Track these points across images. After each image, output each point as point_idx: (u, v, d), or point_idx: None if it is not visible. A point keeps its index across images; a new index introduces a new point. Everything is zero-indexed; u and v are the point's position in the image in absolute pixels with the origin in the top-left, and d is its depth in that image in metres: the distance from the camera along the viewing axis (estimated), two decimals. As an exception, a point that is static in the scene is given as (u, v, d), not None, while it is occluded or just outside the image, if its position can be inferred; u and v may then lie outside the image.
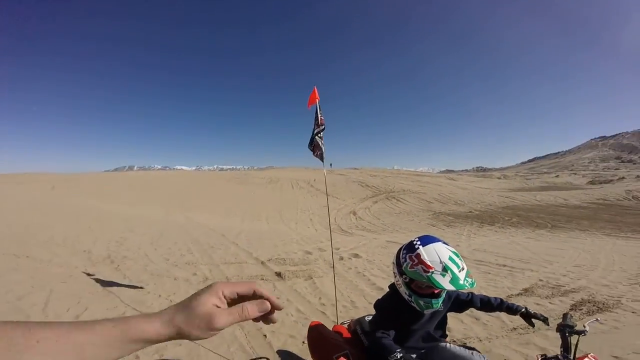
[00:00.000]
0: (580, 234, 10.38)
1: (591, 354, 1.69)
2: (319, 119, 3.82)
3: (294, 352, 3.24)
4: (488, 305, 1.98)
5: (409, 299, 1.71)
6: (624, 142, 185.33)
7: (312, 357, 2.07)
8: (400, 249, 1.76)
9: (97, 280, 5.17)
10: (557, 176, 54.33)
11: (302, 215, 15.48)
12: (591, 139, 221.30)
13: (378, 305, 1.91)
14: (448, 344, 1.91)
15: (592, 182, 35.22)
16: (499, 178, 48.95)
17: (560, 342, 1.64)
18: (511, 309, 1.92)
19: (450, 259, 1.61)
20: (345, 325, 2.38)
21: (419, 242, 1.69)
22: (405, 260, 1.66)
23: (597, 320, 1.91)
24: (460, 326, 3.82)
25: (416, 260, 1.62)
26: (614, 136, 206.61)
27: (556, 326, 1.69)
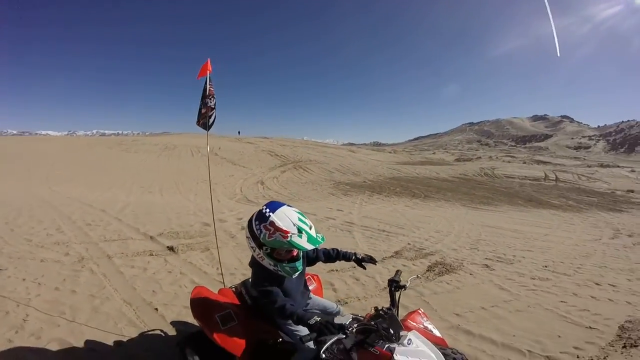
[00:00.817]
0: (445, 204, 12.80)
1: (420, 309, 2.18)
2: (208, 90, 3.82)
3: (189, 321, 3.22)
4: (329, 257, 2.32)
5: (275, 268, 1.78)
6: (485, 129, 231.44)
7: (196, 319, 2.10)
8: (250, 220, 1.79)
9: None
10: (434, 153, 64.87)
11: (203, 185, 14.58)
12: (462, 124, 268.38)
13: (258, 288, 1.90)
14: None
15: (458, 160, 43.31)
16: (390, 152, 55.46)
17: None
18: (346, 257, 2.31)
19: (300, 220, 1.73)
20: (232, 289, 2.46)
21: (268, 210, 1.74)
22: (261, 232, 1.70)
23: (417, 276, 2.51)
24: (344, 286, 4.39)
25: (272, 229, 1.68)
26: (478, 123, 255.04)
27: (387, 281, 2.10)
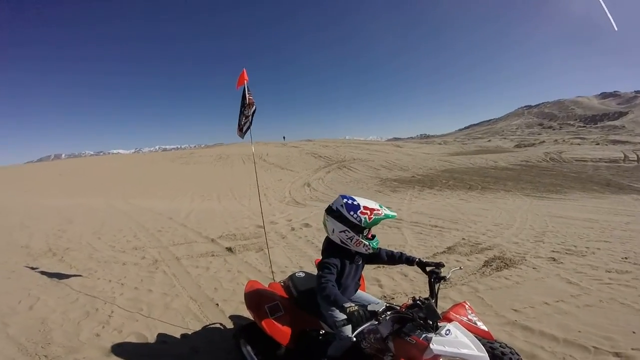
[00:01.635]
0: (505, 195, 11.88)
1: (466, 302, 2.13)
2: (247, 99, 3.96)
3: (244, 315, 3.50)
4: (392, 258, 2.38)
5: (367, 243, 2.06)
6: (546, 111, 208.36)
7: (248, 310, 2.32)
8: (342, 215, 2.05)
9: (43, 273, 5.00)
10: (489, 141, 60.22)
11: (255, 190, 15.42)
12: (518, 108, 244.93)
13: (323, 260, 2.12)
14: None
15: (518, 146, 39.68)
16: (440, 144, 52.77)
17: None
18: (409, 260, 2.32)
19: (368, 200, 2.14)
20: (281, 283, 2.67)
21: (352, 200, 2.09)
22: (361, 218, 2.00)
23: (460, 268, 2.43)
24: (391, 282, 4.36)
25: (368, 212, 2.01)
26: (537, 105, 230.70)
27: (427, 272, 2.11)
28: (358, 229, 2.02)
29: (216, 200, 13.72)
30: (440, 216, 8.20)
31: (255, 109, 4.02)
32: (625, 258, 4.98)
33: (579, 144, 35.00)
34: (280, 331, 2.06)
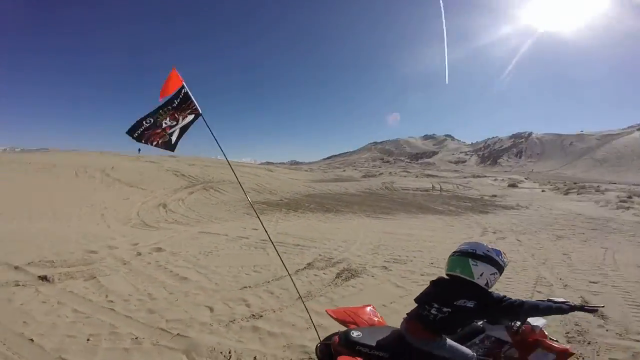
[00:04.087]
0: (352, 216, 13.75)
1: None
2: (190, 104, 3.26)
3: (75, 349, 3.11)
4: (537, 309, 2.12)
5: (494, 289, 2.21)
6: (386, 147, 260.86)
7: None
8: (490, 258, 2.13)
9: None
10: (344, 170, 69.66)
11: (88, 210, 12.48)
12: (368, 143, 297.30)
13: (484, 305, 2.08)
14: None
15: (364, 176, 47.32)
16: (307, 171, 57.34)
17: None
18: (561, 310, 2.12)
19: None
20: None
21: (487, 247, 2.20)
22: (503, 260, 2.17)
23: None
24: (258, 301, 4.30)
25: (502, 254, 2.20)
26: (381, 142, 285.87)
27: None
28: (502, 272, 2.19)
29: (26, 220, 10.34)
30: (302, 236, 8.76)
31: (194, 117, 3.32)
32: (432, 263, 6.56)
33: (405, 176, 44.79)
34: None
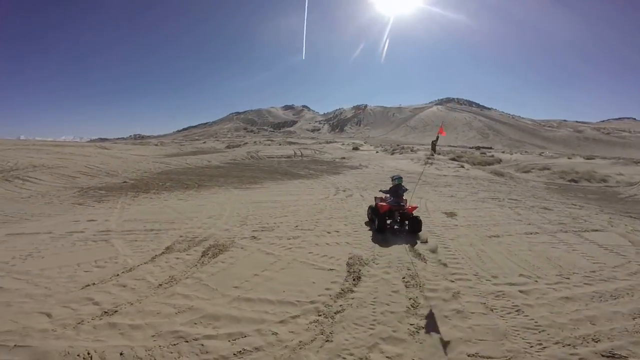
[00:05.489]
0: (218, 190, 13.09)
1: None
2: None
3: None
4: None
5: None
6: (249, 117, 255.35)
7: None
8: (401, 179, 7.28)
9: None
10: (204, 142, 64.53)
11: None
12: (230, 113, 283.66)
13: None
14: None
15: (228, 147, 45.34)
16: (156, 145, 50.01)
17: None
18: None
19: None
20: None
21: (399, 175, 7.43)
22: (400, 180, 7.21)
23: None
24: (109, 297, 3.65)
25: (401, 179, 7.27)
26: (244, 112, 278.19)
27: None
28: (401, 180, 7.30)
29: None
30: (157, 219, 7.77)
31: None
32: (296, 226, 7.07)
33: (269, 145, 45.63)
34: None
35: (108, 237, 6.34)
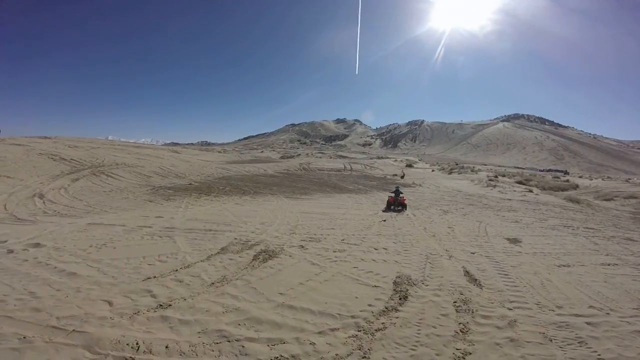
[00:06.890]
0: (271, 197, 13.78)
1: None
2: None
3: None
4: None
5: None
6: (303, 129, 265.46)
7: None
8: (399, 189, 12.67)
9: None
10: (262, 152, 68.36)
11: None
12: (286, 125, 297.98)
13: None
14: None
15: (282, 157, 47.51)
16: (220, 152, 54.16)
17: None
18: None
19: None
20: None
21: (398, 188, 12.72)
22: (399, 190, 12.49)
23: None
24: (166, 291, 4.05)
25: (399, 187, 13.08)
26: (298, 124, 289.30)
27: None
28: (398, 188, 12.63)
29: None
30: (215, 220, 8.42)
31: None
32: (343, 240, 7.11)
33: (320, 157, 46.71)
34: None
35: (172, 233, 7.04)
